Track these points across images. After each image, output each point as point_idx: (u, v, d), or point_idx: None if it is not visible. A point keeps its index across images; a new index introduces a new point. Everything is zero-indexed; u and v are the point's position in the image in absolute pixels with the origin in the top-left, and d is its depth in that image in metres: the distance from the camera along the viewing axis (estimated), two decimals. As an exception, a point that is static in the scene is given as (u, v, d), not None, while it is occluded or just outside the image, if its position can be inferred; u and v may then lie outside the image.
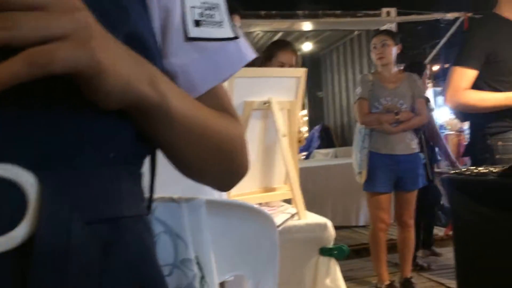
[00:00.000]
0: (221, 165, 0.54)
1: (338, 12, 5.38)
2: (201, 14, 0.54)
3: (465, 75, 2.12)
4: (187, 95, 0.50)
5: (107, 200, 0.43)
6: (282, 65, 2.59)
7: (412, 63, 3.97)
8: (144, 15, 0.49)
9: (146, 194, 0.52)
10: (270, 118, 1.33)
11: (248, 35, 5.65)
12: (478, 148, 2.24)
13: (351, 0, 7.03)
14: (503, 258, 1.66)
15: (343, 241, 4.36)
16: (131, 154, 0.48)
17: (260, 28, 5.68)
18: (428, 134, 3.74)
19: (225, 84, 1.19)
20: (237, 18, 2.31)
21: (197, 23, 0.54)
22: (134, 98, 0.42)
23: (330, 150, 6.78)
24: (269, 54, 2.67)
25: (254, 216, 0.63)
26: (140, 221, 0.48)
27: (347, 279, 3.49)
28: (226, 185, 0.58)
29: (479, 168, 1.93)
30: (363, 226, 4.85)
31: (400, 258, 3.19)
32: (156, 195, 0.53)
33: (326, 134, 7.45)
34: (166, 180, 0.55)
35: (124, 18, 0.45)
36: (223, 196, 0.66)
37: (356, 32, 6.54)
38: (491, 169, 1.86)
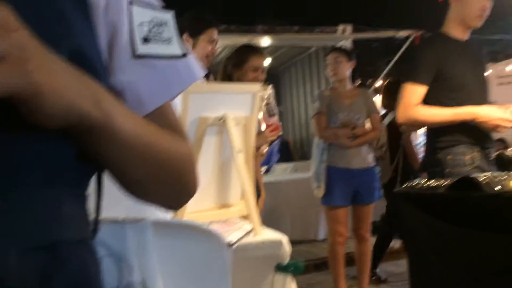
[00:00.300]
0: (168, 184, 0.53)
1: (296, 28, 5.48)
2: (150, 31, 0.53)
3: (416, 92, 2.19)
4: (134, 114, 0.49)
5: (45, 225, 0.41)
6: (255, 69, 2.54)
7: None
8: (89, 32, 0.48)
9: (92, 216, 0.50)
10: (225, 134, 1.32)
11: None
12: (429, 161, 2.32)
13: (309, 17, 7.19)
14: (451, 269, 1.71)
15: (302, 255, 4.38)
16: (74, 176, 0.46)
17: (220, 42, 5.70)
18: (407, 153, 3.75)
19: (179, 100, 1.18)
20: (214, 32, 2.23)
21: (146, 40, 0.53)
22: (77, 118, 0.41)
23: (289, 165, 6.83)
24: (240, 61, 2.58)
25: (202, 236, 0.62)
26: (84, 246, 0.46)
27: (306, 293, 3.52)
28: (174, 204, 0.57)
29: (430, 181, 1.99)
30: (322, 240, 4.89)
31: (357, 271, 3.24)
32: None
33: (285, 148, 7.50)
34: (108, 200, 0.53)
35: (67, 34, 0.44)
36: (167, 215, 0.65)
37: (313, 48, 6.68)
38: (441, 182, 1.93)
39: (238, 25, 5.30)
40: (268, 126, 2.58)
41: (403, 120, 2.29)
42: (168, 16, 0.56)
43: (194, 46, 2.16)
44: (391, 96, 3.74)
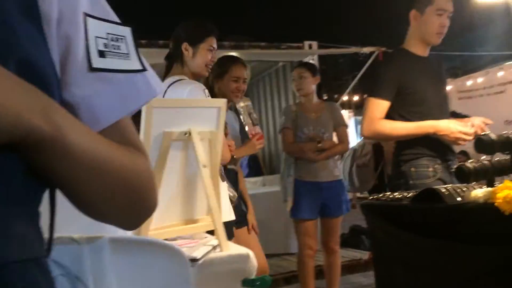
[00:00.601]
0: (125, 202, 0.51)
1: (263, 44, 5.54)
2: (106, 45, 0.52)
3: (379, 106, 2.25)
4: (88, 129, 0.48)
5: None
6: (236, 79, 2.52)
7: None
8: (41, 43, 0.46)
9: (45, 235, 0.48)
10: (191, 148, 1.31)
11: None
12: (393, 174, 2.37)
13: (276, 33, 7.29)
14: (416, 278, 1.74)
15: (272, 269, 4.36)
16: (23, 192, 0.44)
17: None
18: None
19: (143, 115, 1.16)
20: (214, 41, 2.20)
21: (102, 54, 0.52)
22: (25, 132, 0.40)
23: (258, 179, 6.83)
24: (221, 72, 2.55)
25: (163, 252, 0.61)
26: (36, 265, 0.45)
27: (276, 307, 3.50)
28: (132, 223, 0.55)
29: (395, 193, 2.03)
30: (292, 254, 4.89)
31: (327, 284, 3.25)
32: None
33: (254, 162, 7.51)
34: (65, 217, 0.51)
35: (14, 44, 0.43)
36: (128, 232, 0.63)
37: (281, 63, 6.75)
38: (405, 194, 1.97)
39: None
40: (253, 135, 2.58)
41: (368, 134, 2.34)
42: (127, 31, 0.55)
43: (194, 54, 2.15)
44: None
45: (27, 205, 0.45)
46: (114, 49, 0.53)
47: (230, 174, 2.48)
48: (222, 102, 1.39)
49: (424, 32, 2.29)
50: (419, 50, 2.32)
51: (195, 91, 1.98)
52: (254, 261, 1.22)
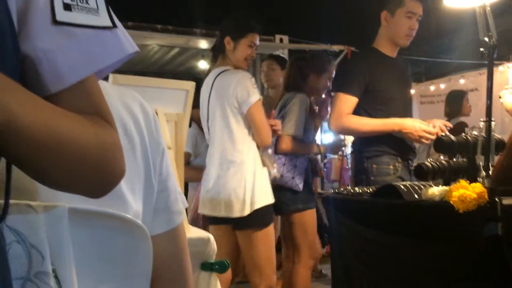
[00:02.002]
0: (87, 176, 0.50)
1: (235, 34, 5.50)
2: None
3: (347, 101, 2.28)
4: (42, 102, 0.45)
5: None
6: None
7: None
8: None
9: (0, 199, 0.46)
10: (156, 130, 1.29)
11: (143, 47, 5.52)
12: (355, 170, 2.42)
13: (248, 24, 7.24)
14: (371, 272, 1.79)
15: (230, 259, 4.37)
16: None
17: (156, 41, 5.59)
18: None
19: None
20: (256, 37, 2.30)
21: (67, 7, 0.48)
22: None
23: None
24: (320, 68, 2.85)
25: (124, 226, 0.60)
26: None
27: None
28: (97, 193, 0.53)
29: (356, 189, 2.08)
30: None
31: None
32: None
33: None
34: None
35: None
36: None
37: (251, 55, 6.73)
38: (366, 189, 2.01)
39: (176, 25, 5.23)
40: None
41: (335, 128, 2.38)
42: None
43: (234, 48, 2.28)
44: (452, 105, 4.24)
45: None
46: (82, 2, 0.50)
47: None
48: (190, 85, 1.38)
49: (394, 33, 2.34)
50: (388, 50, 2.37)
51: (243, 80, 2.21)
52: (214, 245, 1.22)
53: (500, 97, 2.49)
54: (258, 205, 2.21)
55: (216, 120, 2.29)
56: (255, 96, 2.22)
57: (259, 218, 2.23)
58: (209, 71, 2.39)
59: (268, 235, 2.29)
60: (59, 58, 0.47)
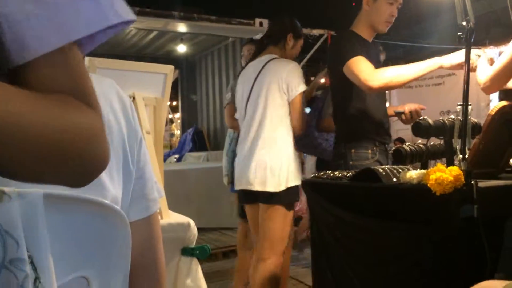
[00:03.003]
0: (58, 165, 0.45)
1: (213, 17, 5.45)
2: None
3: (364, 60, 2.18)
4: (8, 88, 0.40)
5: None
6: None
7: None
8: None
9: None
10: (134, 114, 1.27)
11: (120, 31, 5.39)
12: (334, 154, 2.43)
13: (227, 7, 7.17)
14: (351, 255, 1.81)
15: (212, 243, 4.39)
16: None
17: (133, 24, 5.49)
18: None
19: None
20: (290, 36, 2.58)
21: None
22: None
23: (202, 154, 6.80)
24: None
25: (102, 212, 0.59)
26: None
27: (214, 280, 3.54)
28: (76, 183, 0.51)
29: (335, 173, 2.09)
30: (231, 228, 4.94)
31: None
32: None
33: (199, 137, 7.46)
34: None
35: None
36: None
37: (231, 39, 6.68)
38: (345, 173, 2.03)
39: (154, 8, 5.13)
40: None
41: (379, 84, 2.14)
42: None
43: (293, 46, 2.60)
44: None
45: None
46: None
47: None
48: (169, 68, 1.35)
49: (374, 19, 2.34)
50: (366, 34, 2.37)
51: (296, 69, 2.47)
52: (194, 230, 1.21)
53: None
54: (291, 183, 2.38)
55: (260, 99, 2.46)
56: (303, 86, 2.43)
57: (289, 195, 2.40)
58: (253, 57, 2.62)
59: (289, 214, 2.44)
60: (24, 26, 0.42)
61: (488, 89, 1.83)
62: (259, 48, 2.63)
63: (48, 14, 0.43)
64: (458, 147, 1.63)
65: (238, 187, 2.53)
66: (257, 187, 2.38)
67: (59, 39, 0.44)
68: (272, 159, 2.38)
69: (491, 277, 1.31)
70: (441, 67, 2.12)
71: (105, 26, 0.47)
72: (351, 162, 2.30)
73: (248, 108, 2.52)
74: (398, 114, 2.53)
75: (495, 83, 1.79)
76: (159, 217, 1.21)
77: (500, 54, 1.96)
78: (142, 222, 0.72)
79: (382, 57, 2.96)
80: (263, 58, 2.53)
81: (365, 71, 2.14)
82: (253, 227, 2.59)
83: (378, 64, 2.45)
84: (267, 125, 2.42)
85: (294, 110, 2.42)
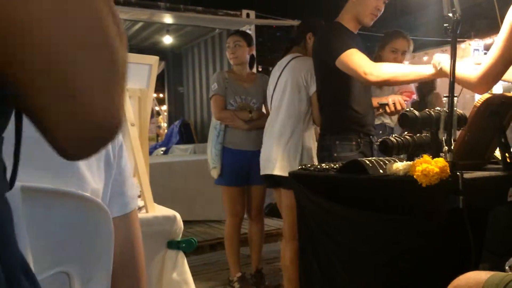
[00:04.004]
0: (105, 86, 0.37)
1: (200, 8, 5.39)
2: None
3: (359, 53, 2.16)
4: None
5: None
6: (395, 51, 2.94)
7: None
8: None
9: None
10: (118, 106, 1.25)
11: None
12: (319, 146, 2.43)
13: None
14: (337, 246, 1.82)
15: (199, 236, 4.38)
16: None
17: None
18: None
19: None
20: (309, 35, 2.76)
21: None
22: None
23: (189, 146, 6.76)
24: (383, 42, 3.02)
25: (83, 205, 0.57)
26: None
27: (201, 272, 3.54)
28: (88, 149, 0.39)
29: (322, 164, 2.09)
30: (219, 221, 4.94)
31: (250, 251, 3.31)
32: None
33: (185, 129, 7.42)
34: None
35: None
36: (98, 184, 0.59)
37: (217, 30, 6.63)
38: (331, 165, 2.03)
39: (140, -1, 5.07)
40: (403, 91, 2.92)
41: (377, 78, 2.10)
42: None
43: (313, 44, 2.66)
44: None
45: None
46: None
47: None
48: (154, 59, 1.33)
49: (360, 11, 2.33)
50: (351, 26, 2.36)
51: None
52: (180, 223, 1.20)
53: None
54: None
55: (282, 95, 2.69)
56: None
57: None
58: (281, 58, 2.83)
59: None
60: None
61: (480, 88, 1.79)
62: (285, 51, 2.87)
63: None
64: (444, 138, 1.64)
65: (262, 172, 2.75)
66: (277, 172, 2.60)
67: None
68: (291, 148, 2.62)
69: (475, 267, 1.32)
70: (440, 72, 2.00)
71: None
72: (335, 154, 2.29)
73: (273, 102, 2.78)
74: (382, 106, 2.54)
75: (489, 81, 1.76)
76: (151, 207, 1.20)
77: (484, 46, 1.96)
78: (121, 219, 0.71)
79: (411, 47, 3.04)
80: (287, 57, 2.75)
81: (363, 64, 2.12)
82: (280, 210, 2.82)
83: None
84: (292, 119, 2.64)
85: (314, 104, 2.59)
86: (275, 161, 2.64)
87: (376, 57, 2.87)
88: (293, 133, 2.64)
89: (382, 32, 3.30)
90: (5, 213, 0.40)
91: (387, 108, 2.52)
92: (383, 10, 2.33)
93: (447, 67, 1.99)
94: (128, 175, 0.72)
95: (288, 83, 2.68)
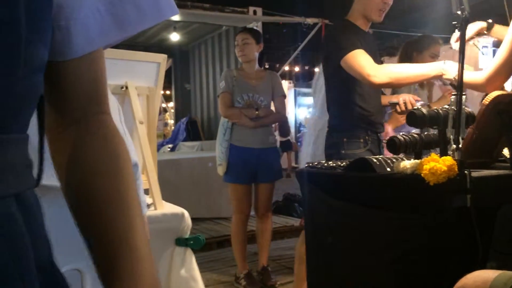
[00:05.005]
0: None
1: (207, 5, 5.40)
2: None
3: (364, 54, 2.16)
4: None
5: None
6: (433, 56, 2.86)
7: None
8: None
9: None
10: (127, 103, 1.26)
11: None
12: (326, 144, 2.43)
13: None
14: (344, 244, 1.82)
15: (206, 233, 4.40)
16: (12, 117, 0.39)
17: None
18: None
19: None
20: None
21: None
22: None
23: (196, 143, 6.79)
24: (420, 46, 2.96)
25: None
26: (15, 201, 0.41)
27: (209, 269, 3.56)
28: None
29: (329, 162, 2.09)
30: (226, 218, 4.95)
31: (258, 248, 3.32)
32: None
33: (192, 127, 7.44)
34: None
35: None
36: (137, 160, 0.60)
37: (224, 27, 6.63)
38: (339, 163, 2.03)
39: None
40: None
41: (383, 80, 2.12)
42: None
43: None
44: None
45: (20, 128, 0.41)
46: None
47: None
48: (162, 57, 1.34)
49: (368, 8, 2.32)
50: (361, 23, 2.36)
51: None
52: (188, 220, 1.21)
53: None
54: None
55: (321, 92, 2.84)
56: None
57: None
58: None
59: None
60: (91, 21, 0.44)
61: (491, 86, 1.78)
62: None
63: (112, 11, 0.45)
64: (452, 137, 1.63)
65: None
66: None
67: (119, 35, 0.47)
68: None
69: (483, 266, 1.32)
70: (442, 75, 2.06)
71: (159, 21, 0.50)
72: (343, 151, 2.29)
73: (314, 99, 3.10)
74: (393, 105, 2.53)
75: (500, 78, 1.75)
76: (159, 204, 1.21)
77: (493, 43, 1.95)
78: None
79: (436, 48, 2.97)
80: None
81: (367, 66, 2.11)
82: None
83: (375, 54, 2.44)
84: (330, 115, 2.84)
85: None
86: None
87: (412, 62, 2.71)
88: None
89: (390, 29, 3.30)
90: (36, 207, 0.43)
91: (397, 107, 2.51)
92: (391, 3, 2.31)
93: (450, 75, 2.01)
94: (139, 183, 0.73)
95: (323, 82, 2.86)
